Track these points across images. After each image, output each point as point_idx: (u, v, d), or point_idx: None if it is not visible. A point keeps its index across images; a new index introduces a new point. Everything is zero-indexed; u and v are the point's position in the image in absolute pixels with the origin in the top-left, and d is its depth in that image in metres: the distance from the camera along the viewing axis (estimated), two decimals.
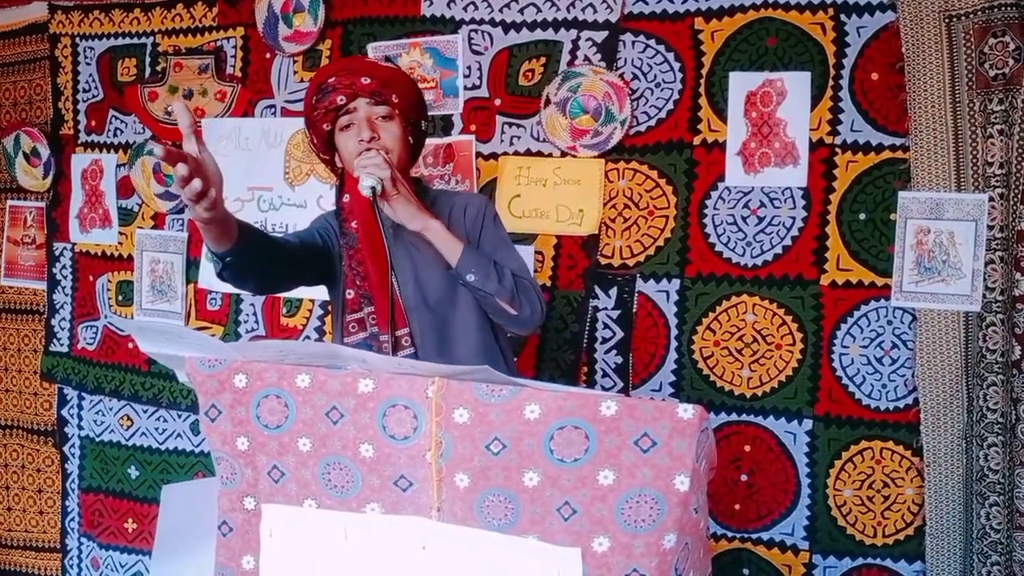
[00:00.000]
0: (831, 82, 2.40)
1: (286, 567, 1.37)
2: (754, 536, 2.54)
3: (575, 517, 1.19)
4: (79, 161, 3.18)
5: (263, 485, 1.37)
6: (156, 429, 3.13)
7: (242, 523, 1.40)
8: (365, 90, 1.72)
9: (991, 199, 2.27)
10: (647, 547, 1.17)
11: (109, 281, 3.18)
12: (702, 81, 2.50)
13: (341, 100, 1.72)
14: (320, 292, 2.86)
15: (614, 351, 2.62)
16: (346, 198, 1.82)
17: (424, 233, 1.70)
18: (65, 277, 3.26)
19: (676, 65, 2.52)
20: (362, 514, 1.31)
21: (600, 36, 2.57)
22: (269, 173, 2.90)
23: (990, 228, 2.27)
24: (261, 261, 1.62)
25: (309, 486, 1.34)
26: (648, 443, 1.15)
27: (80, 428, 3.26)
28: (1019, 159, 2.22)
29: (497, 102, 2.68)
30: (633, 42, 2.56)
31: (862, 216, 2.41)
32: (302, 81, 2.87)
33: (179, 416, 3.09)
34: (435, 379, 1.24)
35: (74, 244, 3.23)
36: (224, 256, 1.53)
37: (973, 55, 2.27)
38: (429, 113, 2.69)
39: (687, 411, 1.13)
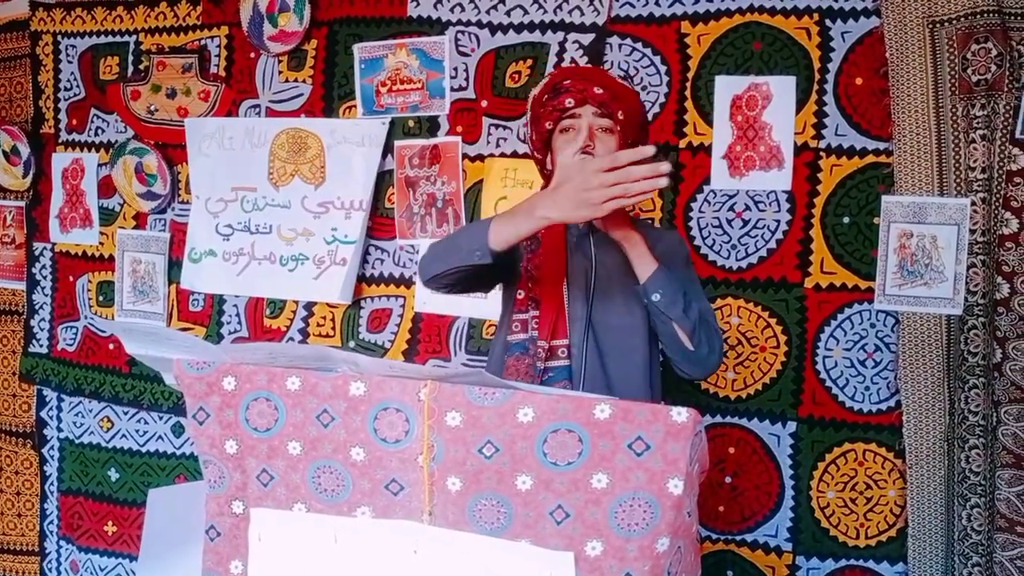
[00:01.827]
0: (816, 86, 2.41)
1: (275, 572, 1.35)
2: (738, 538, 2.55)
3: (568, 521, 1.19)
4: (60, 160, 3.15)
5: (252, 489, 1.35)
6: (137, 431, 3.10)
7: (230, 527, 1.38)
8: (595, 99, 1.69)
9: (973, 203, 2.29)
10: (640, 551, 1.17)
11: (89, 281, 3.15)
12: (688, 84, 2.51)
13: (569, 103, 1.70)
14: (303, 294, 2.88)
15: None
16: None
17: (623, 243, 1.65)
18: (45, 277, 3.22)
19: (662, 68, 2.53)
20: (352, 518, 1.30)
21: (587, 38, 2.57)
22: (253, 173, 2.88)
23: (972, 232, 2.30)
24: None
25: (299, 490, 1.32)
26: (642, 446, 1.15)
27: (59, 430, 3.22)
28: (1001, 164, 2.25)
29: (484, 104, 2.67)
30: (620, 45, 2.56)
31: (846, 220, 2.42)
32: (287, 81, 2.85)
33: (160, 418, 3.07)
34: (427, 382, 1.23)
35: (54, 244, 3.19)
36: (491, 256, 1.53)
37: (956, 61, 2.29)
38: (425, 115, 2.72)
39: (681, 414, 1.13)
